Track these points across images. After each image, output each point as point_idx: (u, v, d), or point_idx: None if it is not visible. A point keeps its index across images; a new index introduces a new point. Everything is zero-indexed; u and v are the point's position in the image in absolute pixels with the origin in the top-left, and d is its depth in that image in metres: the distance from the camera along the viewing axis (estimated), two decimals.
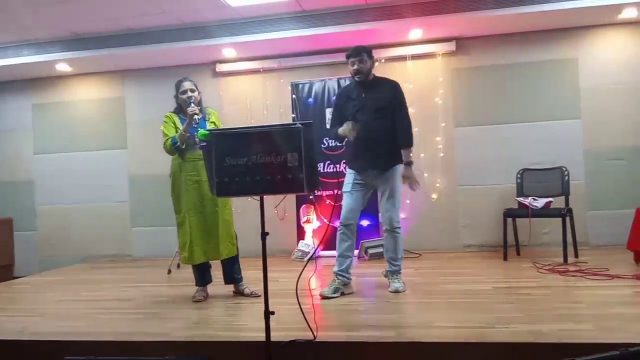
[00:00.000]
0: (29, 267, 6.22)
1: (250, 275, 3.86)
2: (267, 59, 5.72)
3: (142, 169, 6.06)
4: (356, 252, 5.07)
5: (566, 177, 4.75)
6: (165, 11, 4.82)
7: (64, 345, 2.77)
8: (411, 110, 5.39)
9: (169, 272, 4.95)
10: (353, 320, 3.01)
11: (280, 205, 5.19)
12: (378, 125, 3.52)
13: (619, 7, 4.73)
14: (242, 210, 5.04)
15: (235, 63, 5.81)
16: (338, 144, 5.23)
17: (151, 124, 5.60)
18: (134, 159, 6.12)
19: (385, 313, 3.11)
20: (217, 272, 3.78)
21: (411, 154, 3.60)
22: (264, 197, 2.50)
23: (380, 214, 3.65)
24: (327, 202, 5.33)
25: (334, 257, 3.63)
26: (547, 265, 4.20)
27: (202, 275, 3.71)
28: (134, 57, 5.63)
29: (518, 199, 4.79)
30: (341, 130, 3.49)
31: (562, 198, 4.69)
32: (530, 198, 4.65)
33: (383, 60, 5.36)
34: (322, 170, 5.32)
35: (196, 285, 3.71)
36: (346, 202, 3.60)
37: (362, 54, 3.54)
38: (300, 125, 2.37)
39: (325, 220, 5.24)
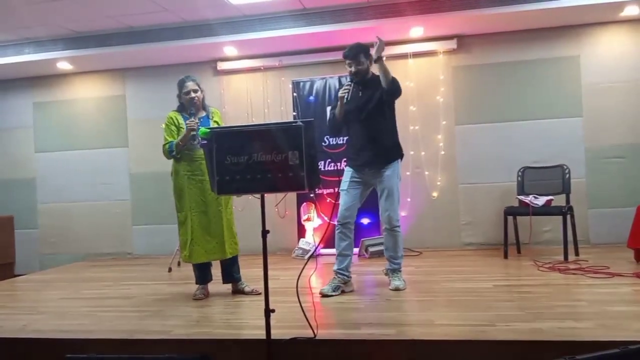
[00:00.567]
0: (30, 264, 6.23)
1: (251, 273, 3.87)
2: (268, 57, 5.72)
3: (142, 167, 6.06)
4: (357, 250, 5.09)
5: (567, 175, 4.75)
6: (166, 9, 4.82)
7: (65, 343, 2.77)
8: (412, 108, 5.46)
9: (170, 270, 4.95)
10: (353, 318, 3.01)
11: (280, 203, 5.20)
12: (375, 123, 3.53)
13: (620, 5, 4.72)
14: (242, 209, 5.04)
15: (236, 61, 5.81)
16: (339, 142, 5.27)
17: (152, 122, 5.61)
18: (135, 157, 6.13)
19: (385, 311, 3.11)
20: (216, 270, 3.78)
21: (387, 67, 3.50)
22: (265, 195, 2.50)
23: (380, 213, 3.64)
24: (327, 200, 5.33)
25: (335, 255, 3.63)
26: (547, 264, 4.20)
27: (203, 274, 3.70)
28: (135, 55, 5.63)
29: (519, 197, 4.79)
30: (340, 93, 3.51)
31: (563, 196, 4.69)
32: (531, 196, 4.65)
33: (384, 58, 5.33)
34: (322, 169, 5.32)
35: (196, 283, 3.71)
36: (343, 199, 3.59)
37: (358, 55, 3.53)
38: (301, 124, 2.37)
39: (326, 219, 5.25)
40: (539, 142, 5.24)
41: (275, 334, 2.47)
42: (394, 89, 3.51)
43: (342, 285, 3.56)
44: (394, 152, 3.62)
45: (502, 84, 5.36)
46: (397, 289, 3.53)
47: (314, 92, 5.49)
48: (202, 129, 3.39)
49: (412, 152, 5.39)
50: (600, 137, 5.18)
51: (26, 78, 6.32)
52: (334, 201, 5.09)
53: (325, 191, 5.37)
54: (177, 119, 3.63)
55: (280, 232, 5.41)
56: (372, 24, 4.89)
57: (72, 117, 6.30)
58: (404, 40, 5.41)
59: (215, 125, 3.60)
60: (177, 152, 3.56)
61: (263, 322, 2.43)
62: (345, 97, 3.51)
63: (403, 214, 5.27)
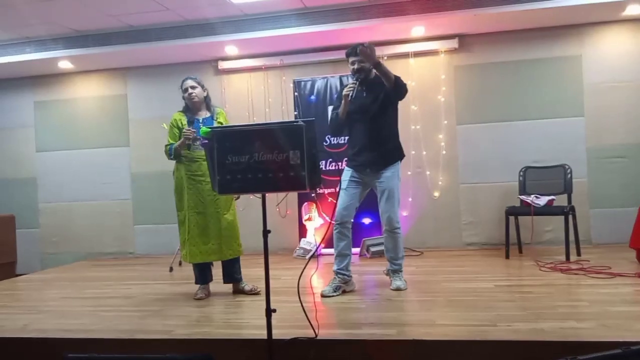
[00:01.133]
0: (31, 264, 6.23)
1: (252, 272, 3.86)
2: (269, 57, 5.71)
3: (144, 167, 6.06)
4: (358, 250, 5.09)
5: (569, 175, 4.73)
6: (167, 8, 4.82)
7: (66, 342, 2.77)
8: (413, 108, 5.45)
9: (171, 269, 4.95)
10: (354, 318, 3.01)
11: (282, 203, 5.20)
12: (378, 125, 3.51)
13: (622, 4, 4.71)
14: (244, 208, 5.04)
15: (237, 60, 5.81)
16: (340, 142, 5.26)
17: (153, 122, 5.60)
18: (136, 157, 6.13)
19: (386, 311, 3.11)
20: (217, 270, 3.78)
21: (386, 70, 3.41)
22: (266, 195, 2.50)
23: (380, 215, 3.63)
24: (329, 200, 5.33)
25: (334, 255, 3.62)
26: (549, 264, 4.19)
27: (202, 274, 3.69)
28: (136, 55, 5.63)
29: (520, 196, 4.78)
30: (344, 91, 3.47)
31: (565, 196, 4.68)
32: (532, 196, 4.64)
33: (385, 58, 5.35)
34: (324, 168, 5.32)
35: (196, 283, 3.70)
36: (342, 198, 3.57)
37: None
38: (302, 123, 2.36)
39: (327, 218, 5.24)
40: (540, 142, 5.23)
41: (277, 334, 2.47)
42: (399, 87, 3.47)
43: (343, 285, 3.56)
44: (395, 154, 3.61)
45: (503, 84, 5.35)
46: (398, 289, 3.52)
47: (315, 91, 5.48)
48: (203, 128, 3.40)
49: (413, 152, 5.38)
50: (602, 137, 5.17)
51: (27, 77, 6.32)
52: (335, 201, 5.08)
53: (326, 191, 5.36)
54: (180, 121, 3.64)
55: (282, 231, 5.41)
56: (373, 23, 4.89)
57: (73, 116, 6.30)
58: (406, 39, 5.40)
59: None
60: (175, 156, 3.60)
61: (264, 322, 2.42)
62: (350, 95, 3.45)
63: (404, 213, 5.27)
